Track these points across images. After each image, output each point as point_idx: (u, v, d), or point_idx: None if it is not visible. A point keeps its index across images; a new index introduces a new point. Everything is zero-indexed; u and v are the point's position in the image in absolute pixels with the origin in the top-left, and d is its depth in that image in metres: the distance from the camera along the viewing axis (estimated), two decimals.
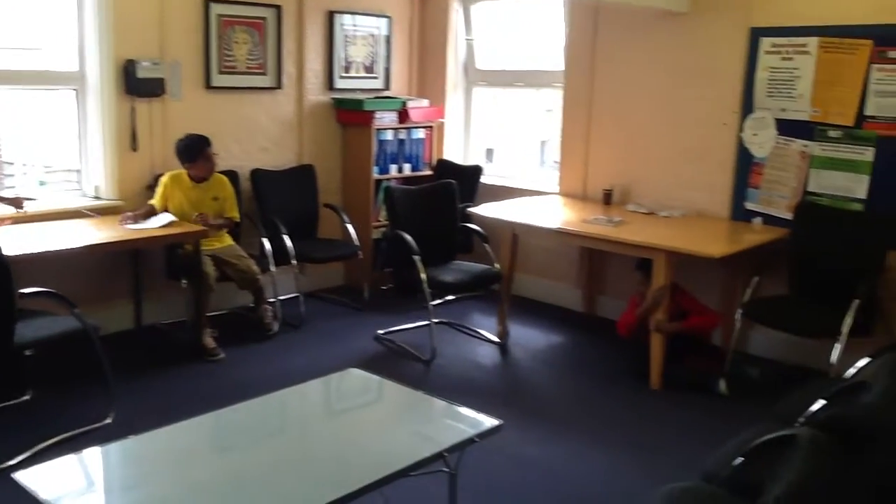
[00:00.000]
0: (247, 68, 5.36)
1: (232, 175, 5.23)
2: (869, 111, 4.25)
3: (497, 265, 4.99)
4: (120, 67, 4.75)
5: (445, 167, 6.09)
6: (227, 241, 4.95)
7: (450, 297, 5.67)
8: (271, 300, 5.16)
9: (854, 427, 1.60)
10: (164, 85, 4.91)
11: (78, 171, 4.93)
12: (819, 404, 2.42)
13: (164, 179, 4.75)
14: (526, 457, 3.58)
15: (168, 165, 5.02)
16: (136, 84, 4.76)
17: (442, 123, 6.29)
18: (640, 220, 4.83)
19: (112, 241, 4.25)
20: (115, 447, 2.61)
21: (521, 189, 5.81)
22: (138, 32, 4.80)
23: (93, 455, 2.60)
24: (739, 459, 2.15)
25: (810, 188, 4.51)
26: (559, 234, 4.77)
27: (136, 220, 4.50)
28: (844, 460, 1.52)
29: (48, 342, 3.54)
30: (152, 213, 4.64)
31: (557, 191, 5.68)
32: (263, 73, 5.46)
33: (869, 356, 3.22)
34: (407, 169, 6.09)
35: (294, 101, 5.66)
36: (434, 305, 4.82)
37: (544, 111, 6.01)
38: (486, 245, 5.11)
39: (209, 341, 4.66)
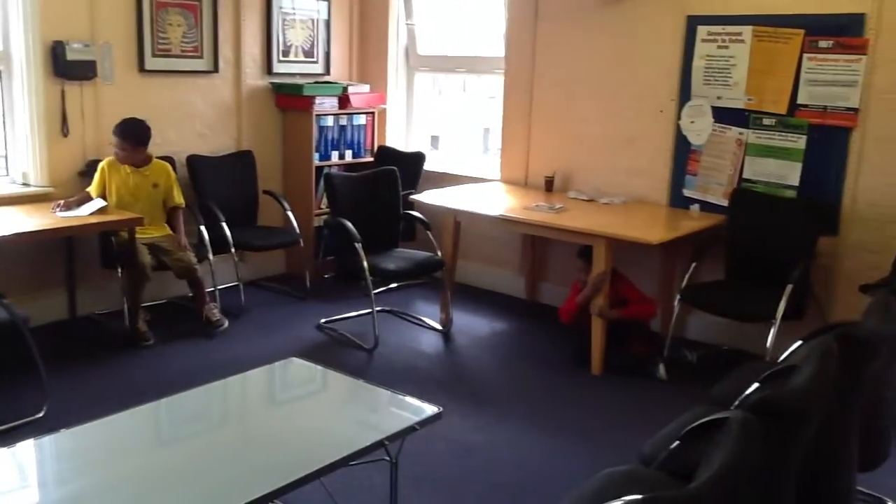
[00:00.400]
0: (182, 51, 5.23)
1: (168, 161, 5.11)
2: (801, 99, 4.35)
3: (440, 252, 4.98)
4: (48, 48, 4.58)
5: (387, 154, 6.04)
6: (165, 230, 4.83)
7: (393, 285, 5.65)
8: (210, 289, 5.07)
9: (783, 409, 1.64)
10: (96, 68, 4.76)
11: (4, 157, 4.75)
12: (753, 387, 2.48)
13: (102, 165, 4.61)
14: (468, 443, 3.59)
15: (101, 151, 4.88)
16: (65, 66, 4.60)
17: (384, 109, 6.24)
18: (581, 206, 4.87)
19: (42, 228, 4.12)
20: (48, 440, 2.55)
21: (463, 176, 5.81)
22: (67, 13, 4.64)
23: (25, 449, 2.52)
24: (676, 443, 2.19)
25: (746, 175, 4.60)
26: (501, 221, 4.78)
27: (68, 207, 4.37)
28: (773, 442, 1.55)
29: None
30: (88, 199, 4.50)
31: (499, 178, 5.69)
32: (199, 57, 5.33)
33: (801, 339, 3.31)
34: (348, 155, 6.03)
35: (231, 85, 5.55)
36: (377, 293, 4.80)
37: (487, 98, 6.00)
38: (428, 232, 5.10)
39: (142, 325, 4.58)
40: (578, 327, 4.47)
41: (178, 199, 4.88)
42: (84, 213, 4.34)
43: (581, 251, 4.50)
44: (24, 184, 4.72)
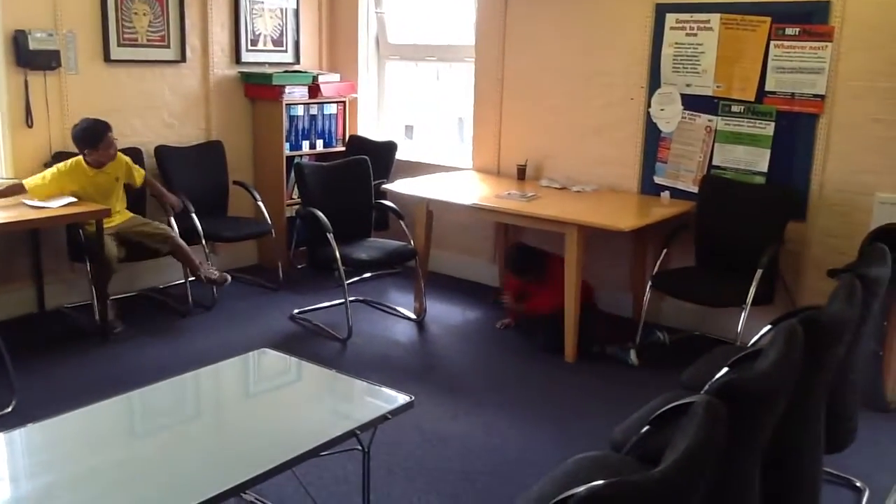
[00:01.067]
0: (148, 41, 5.16)
1: (135, 152, 5.06)
2: (769, 87, 4.38)
3: (412, 242, 4.98)
4: (9, 38, 4.51)
5: (358, 143, 6.02)
6: (127, 214, 4.78)
7: (366, 275, 5.64)
8: (180, 281, 5.03)
9: (747, 392, 1.66)
10: (60, 57, 4.68)
11: None
12: (722, 372, 2.51)
13: (61, 168, 4.48)
14: (441, 432, 3.60)
15: (67, 143, 4.80)
16: (27, 56, 4.53)
17: (354, 98, 6.21)
18: (553, 194, 4.89)
19: (9, 221, 4.05)
20: (16, 434, 2.51)
21: (436, 165, 5.80)
22: (27, 1, 4.55)
23: None
24: (645, 428, 2.20)
25: (715, 162, 4.63)
26: (473, 209, 4.78)
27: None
28: (738, 425, 1.57)
29: None
30: (19, 191, 4.38)
31: (472, 166, 5.69)
32: (166, 46, 5.27)
33: (770, 324, 3.35)
34: (319, 145, 6.00)
35: (199, 75, 5.49)
36: (350, 283, 4.79)
37: (460, 87, 5.99)
38: (401, 222, 5.09)
39: (110, 314, 4.56)
40: (552, 317, 4.47)
41: (139, 176, 4.83)
42: (54, 205, 4.27)
43: (512, 262, 4.75)
44: None
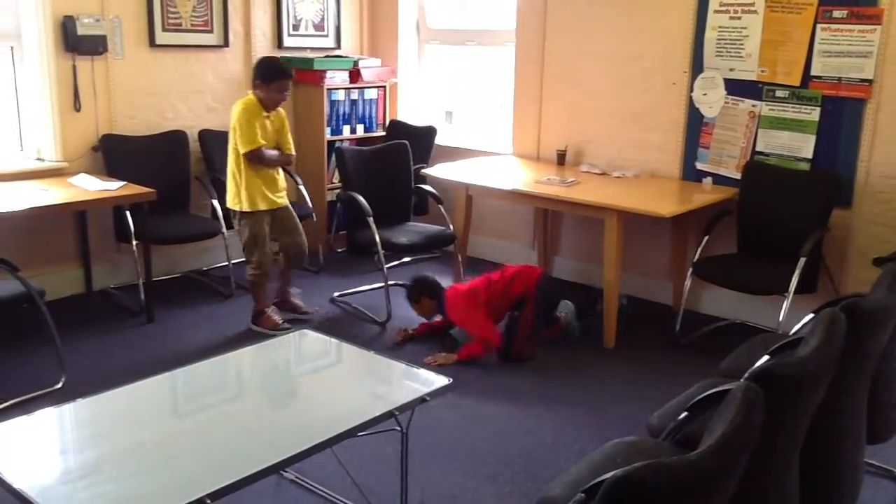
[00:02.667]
0: (192, 25, 5.23)
1: (180, 135, 5.14)
2: (815, 71, 4.31)
3: (452, 226, 4.99)
4: (58, 23, 4.60)
5: (398, 128, 6.04)
6: (286, 199, 4.57)
7: (405, 259, 5.67)
8: (223, 263, 5.11)
9: (786, 378, 1.65)
10: (106, 42, 4.77)
11: (19, 133, 4.78)
12: (763, 360, 2.49)
13: (245, 108, 4.24)
14: (478, 415, 3.62)
15: (114, 126, 4.91)
16: (76, 41, 4.62)
17: (395, 83, 6.23)
18: (593, 180, 4.86)
19: (57, 203, 4.16)
20: (67, 409, 2.58)
21: (475, 150, 5.80)
22: None
23: (45, 417, 2.56)
24: (683, 414, 2.20)
25: (759, 148, 4.57)
26: (513, 194, 4.78)
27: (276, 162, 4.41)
28: (776, 411, 1.57)
29: None
30: (288, 159, 4.52)
31: (512, 152, 5.68)
32: (209, 31, 5.33)
33: (813, 312, 3.31)
34: (360, 130, 6.03)
35: (241, 59, 5.55)
36: (389, 267, 4.82)
37: (500, 72, 5.97)
38: (440, 206, 5.10)
39: (294, 302, 4.70)
40: (508, 321, 4.29)
41: (290, 146, 4.53)
42: (112, 187, 4.38)
43: (408, 294, 4.48)
44: (38, 159, 4.76)
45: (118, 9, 4.84)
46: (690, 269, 4.41)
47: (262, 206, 4.35)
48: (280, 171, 4.52)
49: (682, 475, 1.28)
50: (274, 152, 4.36)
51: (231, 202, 4.40)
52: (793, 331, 3.52)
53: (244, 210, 4.33)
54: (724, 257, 4.49)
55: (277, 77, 4.26)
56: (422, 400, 2.62)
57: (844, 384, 2.07)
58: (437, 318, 4.44)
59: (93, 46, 4.70)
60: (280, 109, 4.44)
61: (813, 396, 1.81)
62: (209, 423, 2.59)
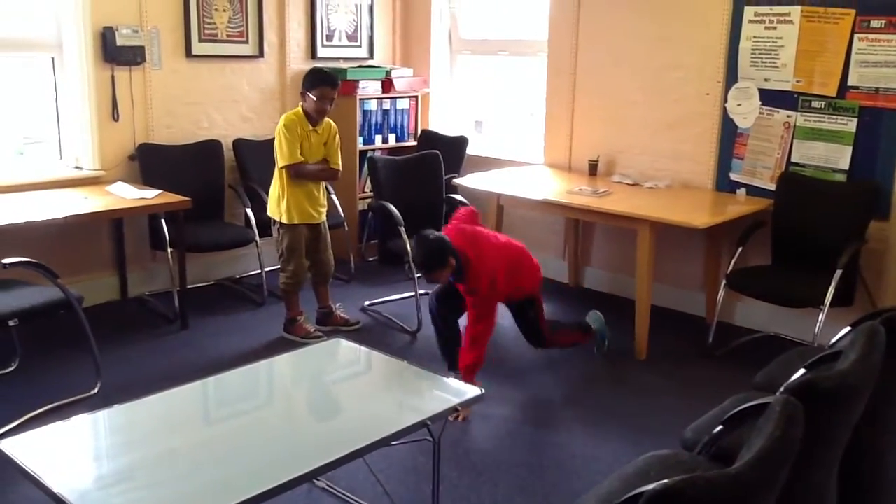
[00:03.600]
0: (227, 36, 5.30)
1: (215, 145, 5.20)
2: (852, 81, 4.25)
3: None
4: (98, 34, 4.68)
5: (430, 137, 6.06)
6: (323, 215, 4.58)
7: None
8: (256, 271, 5.16)
9: (825, 392, 1.63)
10: (144, 53, 4.85)
11: (58, 141, 4.87)
12: (799, 373, 2.46)
13: (288, 125, 4.26)
14: (508, 425, 3.61)
15: (150, 135, 4.98)
16: (114, 52, 4.69)
17: (427, 93, 6.25)
18: (626, 190, 4.84)
19: (95, 211, 4.22)
20: (101, 415, 2.62)
21: (507, 160, 5.80)
22: None
23: (80, 423, 2.60)
24: (718, 428, 2.18)
25: (794, 159, 4.52)
26: (544, 204, 4.77)
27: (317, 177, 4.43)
28: (815, 426, 1.55)
29: (32, 313, 3.52)
30: (333, 174, 4.51)
31: (543, 162, 5.67)
32: (244, 42, 5.40)
33: (850, 325, 3.26)
34: (392, 139, 6.06)
35: (276, 70, 5.61)
36: (420, 277, 4.82)
37: (532, 81, 5.97)
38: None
39: (340, 316, 4.70)
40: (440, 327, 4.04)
41: (336, 161, 4.49)
42: (148, 196, 4.44)
43: (428, 262, 3.67)
44: (76, 167, 4.84)
45: (156, 20, 4.92)
46: (724, 281, 4.36)
47: (298, 220, 4.38)
48: (322, 185, 4.54)
49: (722, 489, 1.27)
50: (314, 167, 4.38)
51: (271, 211, 4.46)
52: (829, 344, 3.47)
53: (283, 221, 4.38)
54: (758, 269, 4.44)
55: (317, 84, 4.28)
56: (454, 410, 2.62)
57: (885, 398, 2.03)
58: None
59: (131, 57, 4.78)
60: (332, 123, 4.47)
61: (853, 411, 1.78)
62: (242, 430, 2.61)
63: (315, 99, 4.27)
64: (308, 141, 4.33)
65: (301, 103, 4.37)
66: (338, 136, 4.50)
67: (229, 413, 2.82)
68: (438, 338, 4.04)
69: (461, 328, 3.94)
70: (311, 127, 4.34)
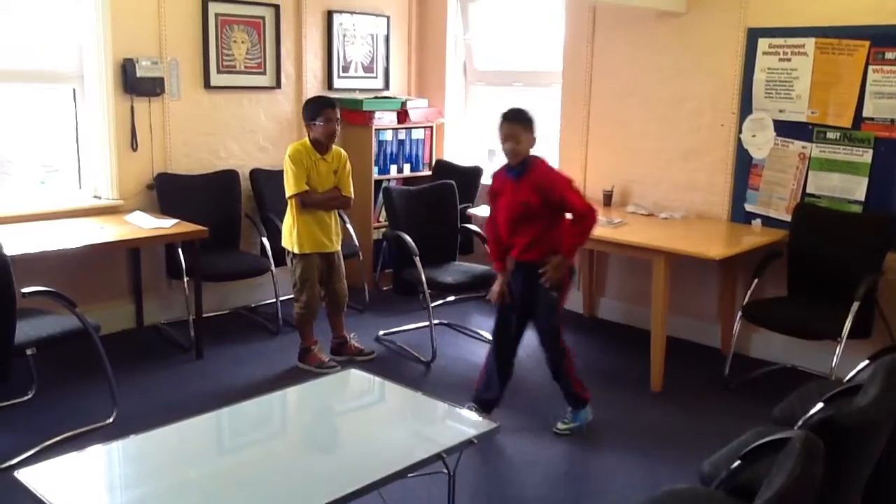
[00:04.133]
0: (245, 68, 5.37)
1: (232, 174, 5.25)
2: (867, 113, 4.25)
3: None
4: (118, 66, 4.75)
5: (444, 168, 6.09)
6: (338, 244, 4.58)
7: (450, 298, 5.68)
8: (271, 300, 5.18)
9: (846, 429, 1.61)
10: (164, 84, 4.91)
11: (77, 171, 4.93)
12: (818, 407, 2.44)
13: (294, 156, 4.29)
14: (523, 458, 3.59)
15: (168, 165, 5.03)
16: (134, 83, 4.76)
17: (441, 124, 6.29)
18: (640, 221, 4.84)
19: (112, 240, 4.26)
20: (116, 446, 2.63)
21: None
22: (137, 31, 4.81)
23: (95, 454, 2.61)
24: (737, 462, 2.16)
25: (809, 190, 4.51)
26: None
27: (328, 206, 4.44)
28: (836, 463, 1.53)
29: (50, 341, 3.54)
30: (345, 202, 4.53)
31: None
32: (262, 73, 5.46)
33: (868, 358, 3.24)
34: (407, 169, 6.10)
35: (293, 100, 5.67)
36: (434, 306, 4.83)
37: (546, 112, 5.99)
38: (486, 246, 5.11)
39: (354, 346, 4.71)
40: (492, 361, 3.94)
41: (348, 189, 4.53)
42: (165, 225, 4.48)
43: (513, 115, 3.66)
44: (95, 196, 4.89)
45: (175, 51, 4.99)
46: (740, 313, 4.34)
47: (309, 250, 4.40)
48: (334, 214, 4.56)
49: None
50: (322, 195, 4.40)
51: (285, 241, 4.48)
52: (847, 377, 3.44)
53: (295, 251, 4.40)
54: (774, 300, 4.42)
55: (319, 109, 4.34)
56: (469, 443, 2.61)
57: None
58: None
59: (150, 88, 4.85)
60: (342, 151, 4.52)
61: (874, 446, 1.76)
62: (256, 462, 2.61)
63: (323, 124, 4.32)
64: (316, 170, 4.37)
65: (308, 134, 4.41)
66: (349, 164, 4.53)
67: (244, 444, 2.82)
68: (486, 370, 3.95)
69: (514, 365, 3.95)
70: (319, 156, 4.37)
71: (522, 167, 3.66)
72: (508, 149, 3.64)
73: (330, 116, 4.33)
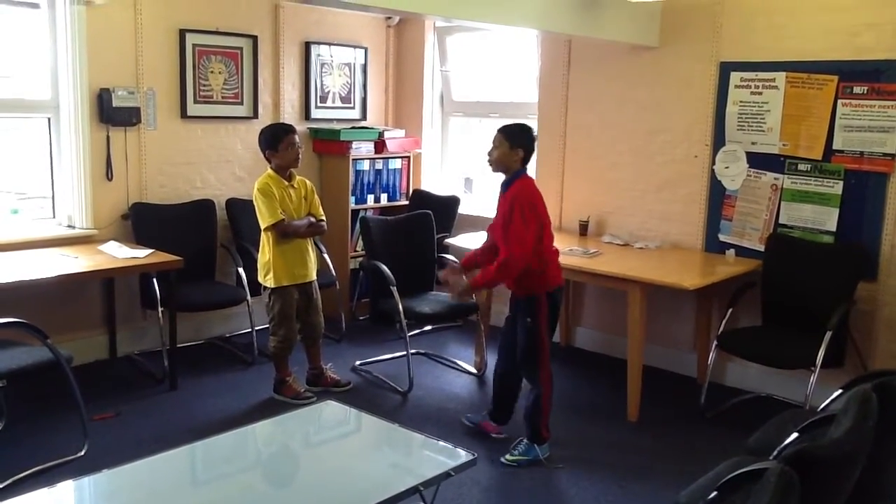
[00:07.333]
0: (222, 98, 5.37)
1: (208, 204, 5.23)
2: (837, 145, 4.34)
3: (474, 296, 4.99)
4: (94, 96, 4.74)
5: (421, 197, 6.11)
6: (313, 273, 4.57)
7: (427, 328, 5.67)
8: (247, 330, 5.14)
9: (821, 461, 1.63)
10: (140, 114, 4.90)
11: (51, 200, 4.88)
12: (792, 437, 2.45)
13: (265, 187, 4.28)
14: (501, 489, 3.57)
15: (144, 195, 5.00)
16: (110, 113, 4.75)
17: (419, 154, 6.32)
18: (616, 251, 4.87)
19: (87, 270, 4.22)
20: (87, 481, 2.59)
21: None
22: (113, 61, 4.80)
23: (66, 489, 2.56)
24: (713, 494, 2.16)
25: (782, 220, 4.58)
26: None
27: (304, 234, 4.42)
28: (811, 495, 1.54)
29: (20, 373, 3.48)
30: (319, 229, 4.52)
31: None
32: (239, 103, 5.47)
33: (841, 388, 3.26)
34: (384, 199, 6.11)
35: None
36: (411, 336, 4.82)
37: None
38: (464, 276, 5.10)
39: (330, 376, 4.68)
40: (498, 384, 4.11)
41: (319, 212, 4.55)
42: (140, 255, 4.44)
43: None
44: (69, 226, 4.84)
45: (152, 81, 4.98)
46: (715, 342, 4.37)
47: (287, 282, 4.38)
48: (311, 243, 4.55)
49: None
50: (301, 222, 4.39)
51: (261, 277, 4.44)
52: (821, 406, 3.47)
53: (272, 286, 4.37)
54: (749, 330, 4.45)
55: (280, 136, 4.34)
56: (447, 475, 2.60)
57: (880, 464, 2.03)
58: None
59: (127, 118, 4.83)
60: (305, 179, 4.52)
61: (848, 478, 1.78)
62: (231, 497, 2.58)
63: (287, 149, 4.32)
64: (289, 198, 4.36)
65: (270, 166, 4.38)
66: (315, 190, 4.55)
67: (218, 478, 2.78)
68: (494, 394, 4.13)
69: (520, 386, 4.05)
70: (287, 184, 4.37)
71: (509, 182, 3.79)
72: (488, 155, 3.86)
73: (292, 141, 4.34)
